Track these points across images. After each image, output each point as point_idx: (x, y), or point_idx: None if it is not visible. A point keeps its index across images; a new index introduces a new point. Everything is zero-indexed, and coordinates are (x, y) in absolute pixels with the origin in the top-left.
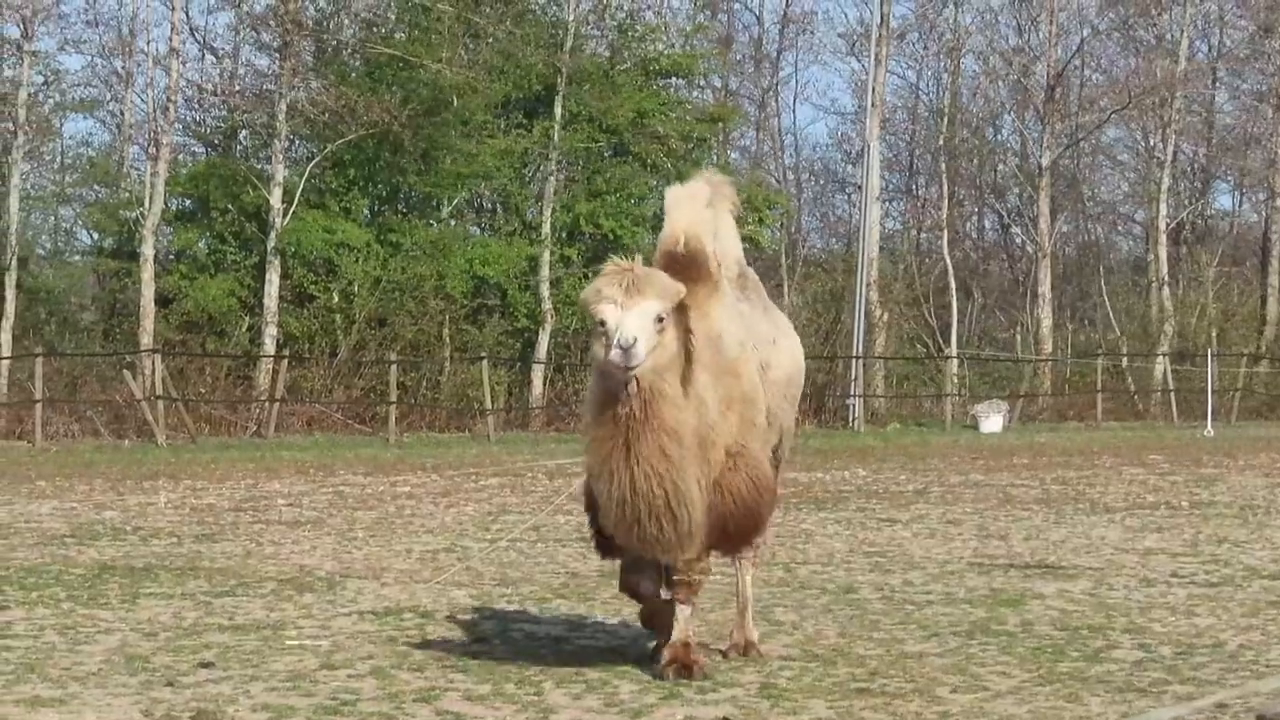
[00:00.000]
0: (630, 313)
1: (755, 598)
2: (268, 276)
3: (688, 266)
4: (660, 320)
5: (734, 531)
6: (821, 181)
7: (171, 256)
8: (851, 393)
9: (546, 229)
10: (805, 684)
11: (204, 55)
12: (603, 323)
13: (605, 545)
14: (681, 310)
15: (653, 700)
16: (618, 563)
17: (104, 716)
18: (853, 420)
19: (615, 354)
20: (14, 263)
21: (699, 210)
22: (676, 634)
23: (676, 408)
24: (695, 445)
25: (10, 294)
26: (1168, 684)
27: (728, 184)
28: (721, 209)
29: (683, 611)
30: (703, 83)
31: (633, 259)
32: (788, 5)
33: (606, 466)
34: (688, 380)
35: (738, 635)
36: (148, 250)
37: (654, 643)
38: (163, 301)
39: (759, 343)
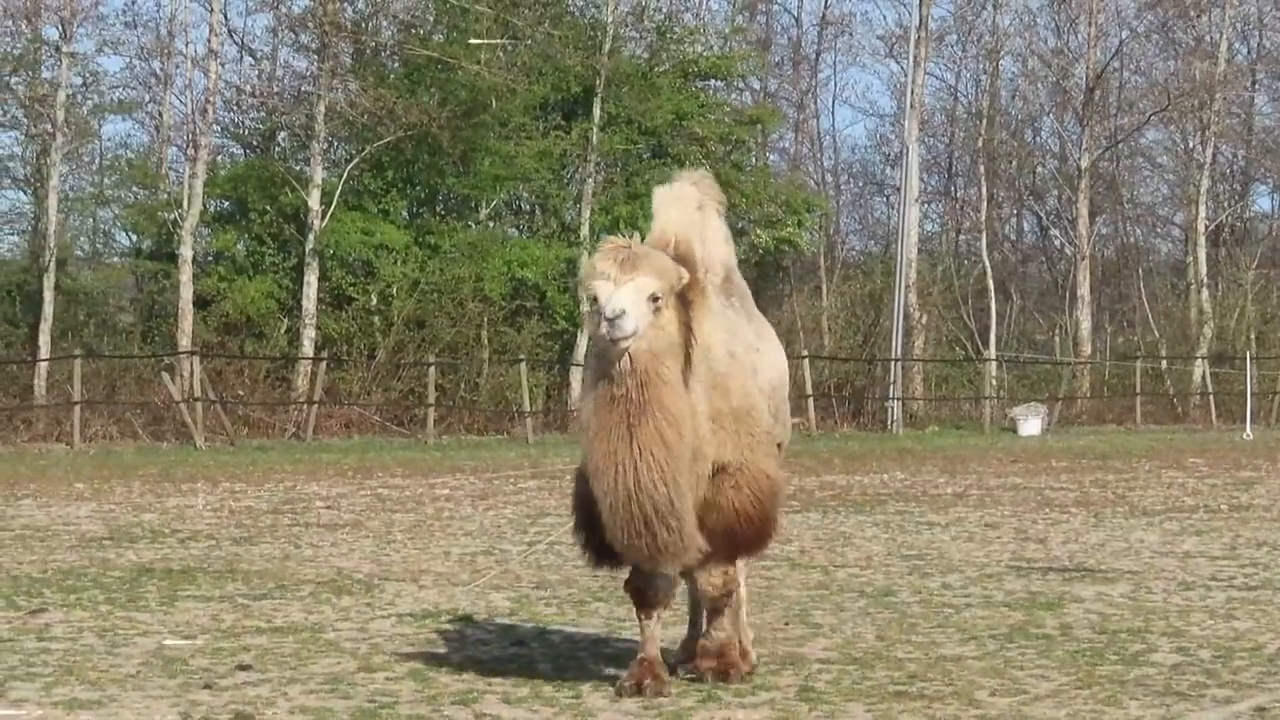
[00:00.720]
0: (623, 288)
1: (794, 600)
2: (306, 278)
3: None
4: (656, 300)
5: (743, 545)
6: (860, 183)
7: (210, 258)
8: (890, 395)
9: (585, 231)
10: (844, 687)
11: (242, 57)
12: (595, 299)
13: (600, 551)
14: (684, 303)
15: (691, 704)
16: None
17: (143, 719)
18: (891, 423)
19: (604, 325)
20: (53, 264)
21: (689, 213)
22: (716, 637)
23: (677, 395)
24: (690, 449)
25: (49, 295)
26: (1206, 687)
27: (712, 182)
28: (709, 211)
29: (720, 621)
30: (741, 84)
31: (630, 236)
32: (826, 7)
33: (610, 460)
34: (687, 378)
35: (699, 650)
36: (186, 252)
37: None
38: (201, 303)
39: (745, 349)
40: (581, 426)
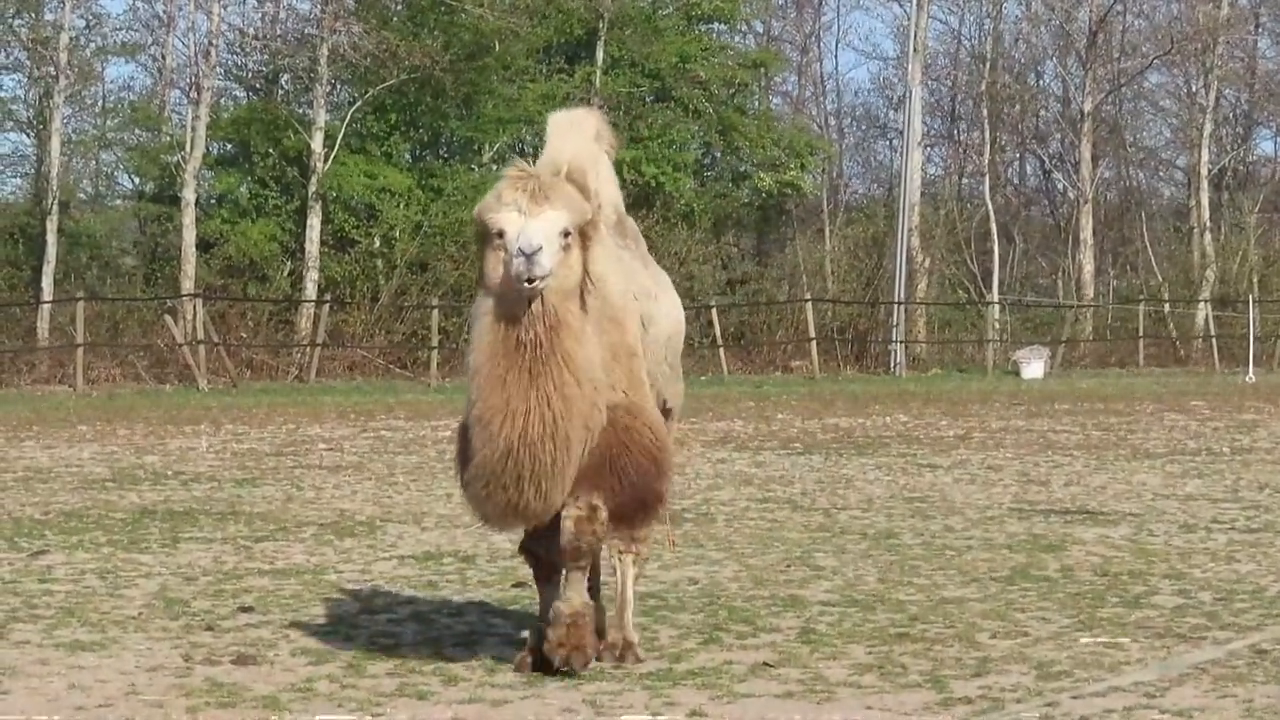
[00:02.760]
0: (535, 219)
1: (796, 542)
2: (309, 221)
3: None
4: (567, 235)
5: (630, 490)
6: (863, 127)
7: (213, 201)
8: (893, 338)
9: None
10: (845, 629)
11: None
12: (501, 233)
13: None
14: (585, 241)
15: (691, 645)
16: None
17: (144, 660)
18: (894, 366)
19: (517, 262)
20: (55, 207)
21: (585, 141)
22: (565, 606)
23: (579, 344)
24: (589, 402)
25: (52, 238)
26: (1207, 629)
27: (606, 123)
28: (601, 148)
29: (575, 580)
30: (744, 28)
31: (534, 163)
32: None
33: (501, 410)
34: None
35: (616, 634)
36: (189, 195)
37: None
38: (204, 246)
39: (641, 295)
40: (472, 373)
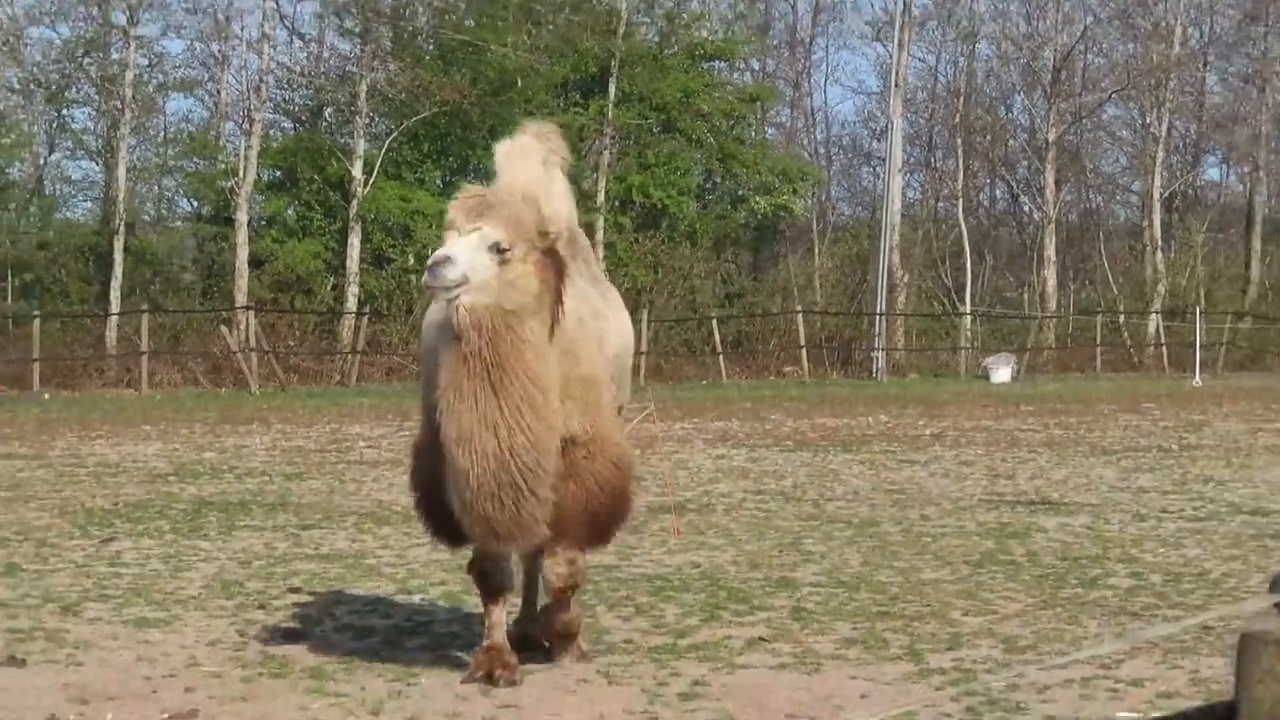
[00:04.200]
0: (464, 236)
1: (788, 530)
2: (350, 240)
3: None
4: (501, 251)
5: (601, 519)
6: (849, 155)
7: (263, 222)
8: (875, 346)
9: (601, 198)
10: (832, 607)
11: (292, 40)
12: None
13: (447, 529)
14: (553, 263)
15: (694, 622)
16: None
17: (203, 635)
18: (876, 371)
19: (426, 275)
20: (122, 227)
21: (533, 168)
22: (565, 620)
23: (541, 358)
24: (557, 416)
25: (119, 256)
26: (1158, 608)
27: (556, 134)
28: (552, 164)
29: (571, 606)
30: (742, 65)
31: (490, 185)
32: None
33: (481, 425)
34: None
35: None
36: (241, 216)
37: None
38: (255, 263)
39: (595, 317)
40: (438, 394)
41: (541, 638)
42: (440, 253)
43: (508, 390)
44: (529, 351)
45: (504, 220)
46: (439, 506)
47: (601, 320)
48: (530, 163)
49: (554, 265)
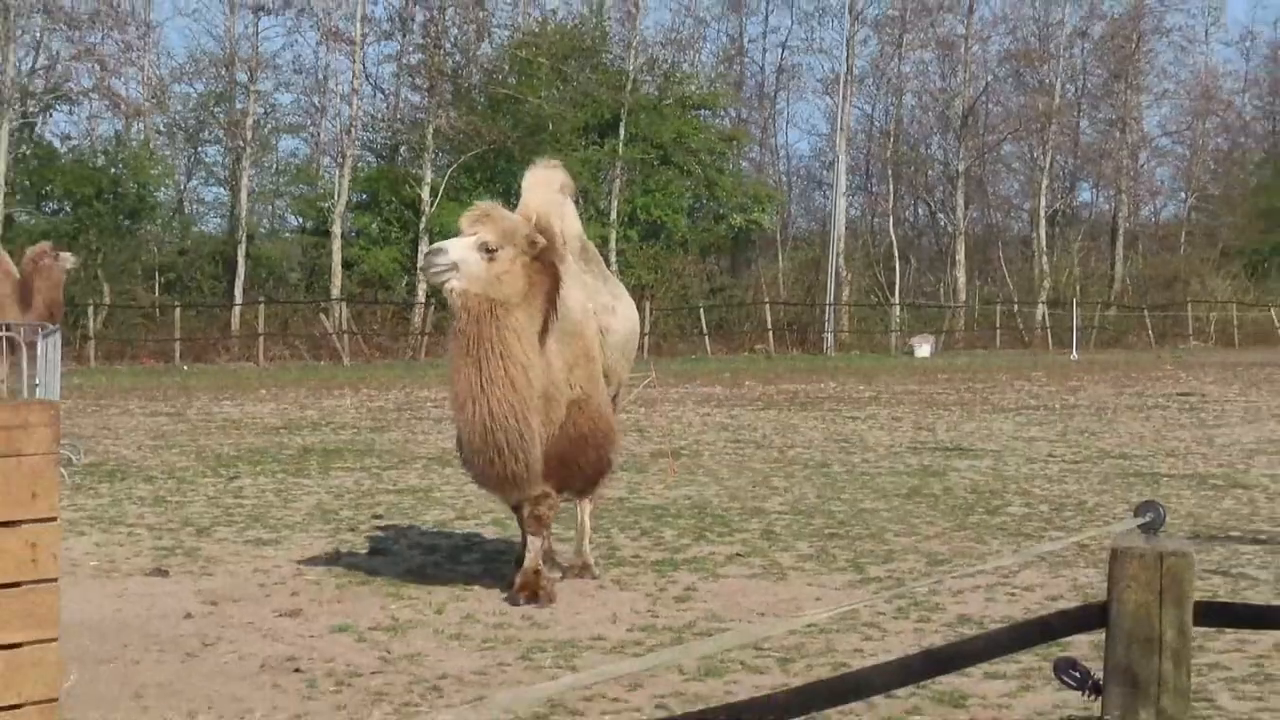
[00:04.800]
0: (461, 238)
1: (759, 470)
2: (420, 248)
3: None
4: (489, 250)
5: (584, 469)
6: (805, 182)
7: (353, 234)
8: (826, 329)
9: (613, 215)
10: (793, 530)
11: (375, 93)
12: None
13: None
14: (546, 268)
15: (686, 541)
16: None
17: (306, 552)
18: (826, 348)
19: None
20: (244, 239)
21: (551, 193)
22: (528, 563)
23: (522, 343)
24: (543, 398)
25: (241, 260)
26: (1045, 530)
27: (562, 169)
28: (564, 196)
29: (534, 543)
30: (723, 113)
31: (494, 201)
32: (781, 59)
33: (466, 394)
34: (544, 340)
35: (575, 559)
36: (336, 230)
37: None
38: (346, 265)
39: (600, 309)
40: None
41: (512, 582)
42: (436, 245)
43: (489, 367)
44: (512, 337)
45: (496, 228)
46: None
47: (607, 312)
48: (549, 188)
49: (546, 270)
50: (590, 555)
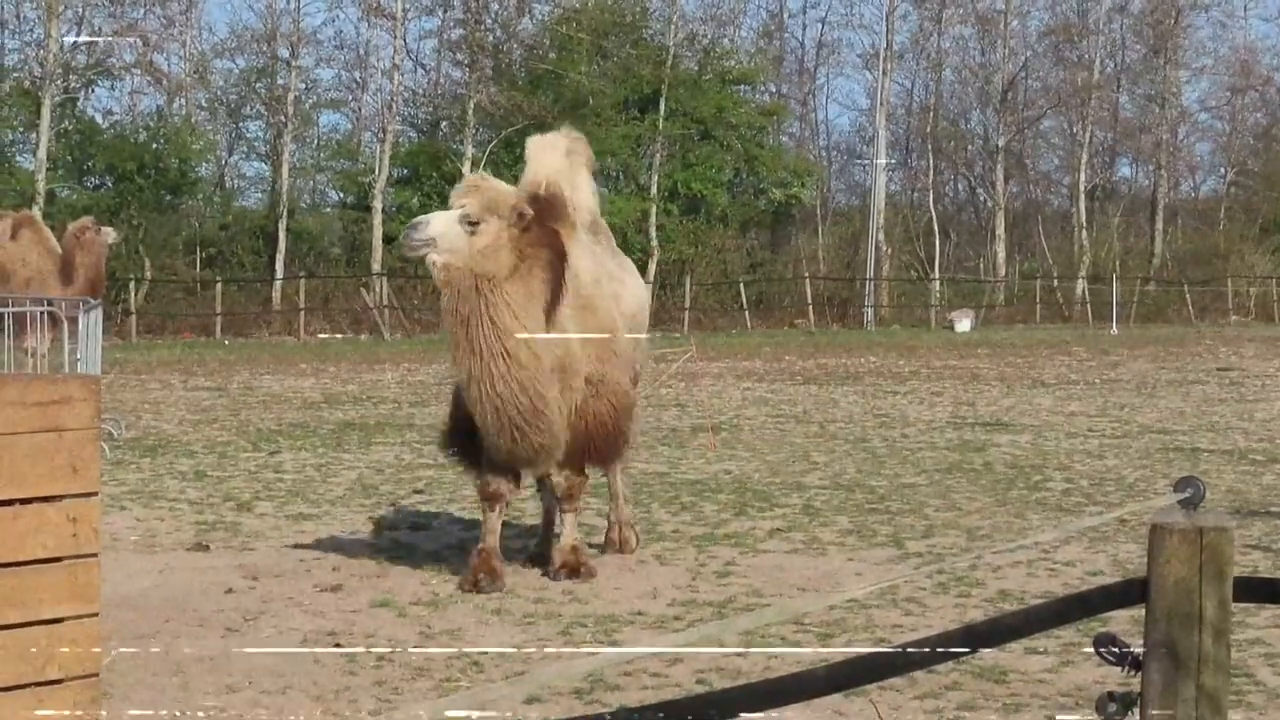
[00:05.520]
0: (445, 211)
1: (799, 445)
2: None
3: (548, 210)
4: (471, 223)
5: (599, 450)
6: (845, 157)
7: (393, 209)
8: (866, 304)
9: (654, 190)
10: (834, 504)
11: (416, 69)
12: None
13: (463, 455)
14: (548, 249)
15: (727, 516)
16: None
17: (346, 526)
18: (866, 323)
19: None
20: (285, 213)
21: (558, 159)
22: (565, 539)
23: (519, 318)
24: (559, 372)
25: (282, 235)
26: (1085, 505)
27: (584, 143)
28: (578, 163)
29: (568, 519)
30: (762, 88)
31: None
32: (821, 34)
33: (467, 374)
34: (553, 313)
35: (613, 534)
36: (377, 205)
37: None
38: (387, 240)
39: (611, 280)
40: None
41: (550, 559)
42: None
43: (484, 345)
44: (504, 311)
45: (481, 200)
46: (463, 436)
47: (618, 284)
48: (555, 154)
49: (542, 241)
50: (629, 513)
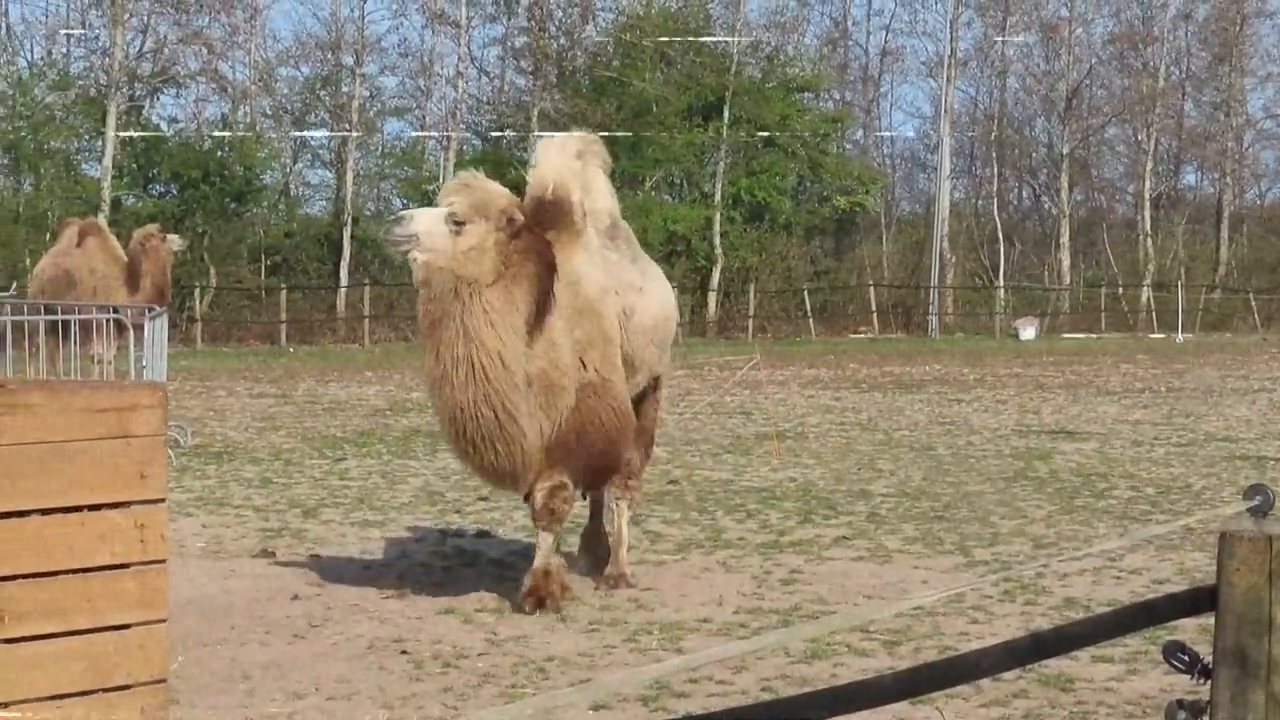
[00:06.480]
0: (431, 209)
1: (865, 453)
2: None
3: (553, 213)
4: (456, 223)
5: (596, 459)
6: (909, 165)
7: None
8: (930, 311)
9: (718, 197)
10: (899, 512)
11: (480, 76)
12: None
13: None
14: (536, 259)
15: (792, 524)
16: None
17: (413, 534)
18: (931, 330)
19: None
20: (349, 220)
21: (567, 160)
22: (537, 562)
23: (496, 327)
24: (539, 386)
25: (347, 242)
26: (1152, 514)
27: (599, 144)
28: (592, 165)
29: (544, 540)
30: (826, 95)
31: (477, 171)
32: (885, 42)
33: (430, 378)
34: (538, 325)
35: (612, 568)
36: None
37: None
38: None
39: (624, 289)
40: None
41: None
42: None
43: (452, 351)
44: (479, 320)
45: (470, 200)
46: None
47: (633, 293)
48: (565, 155)
49: (531, 249)
50: (627, 565)
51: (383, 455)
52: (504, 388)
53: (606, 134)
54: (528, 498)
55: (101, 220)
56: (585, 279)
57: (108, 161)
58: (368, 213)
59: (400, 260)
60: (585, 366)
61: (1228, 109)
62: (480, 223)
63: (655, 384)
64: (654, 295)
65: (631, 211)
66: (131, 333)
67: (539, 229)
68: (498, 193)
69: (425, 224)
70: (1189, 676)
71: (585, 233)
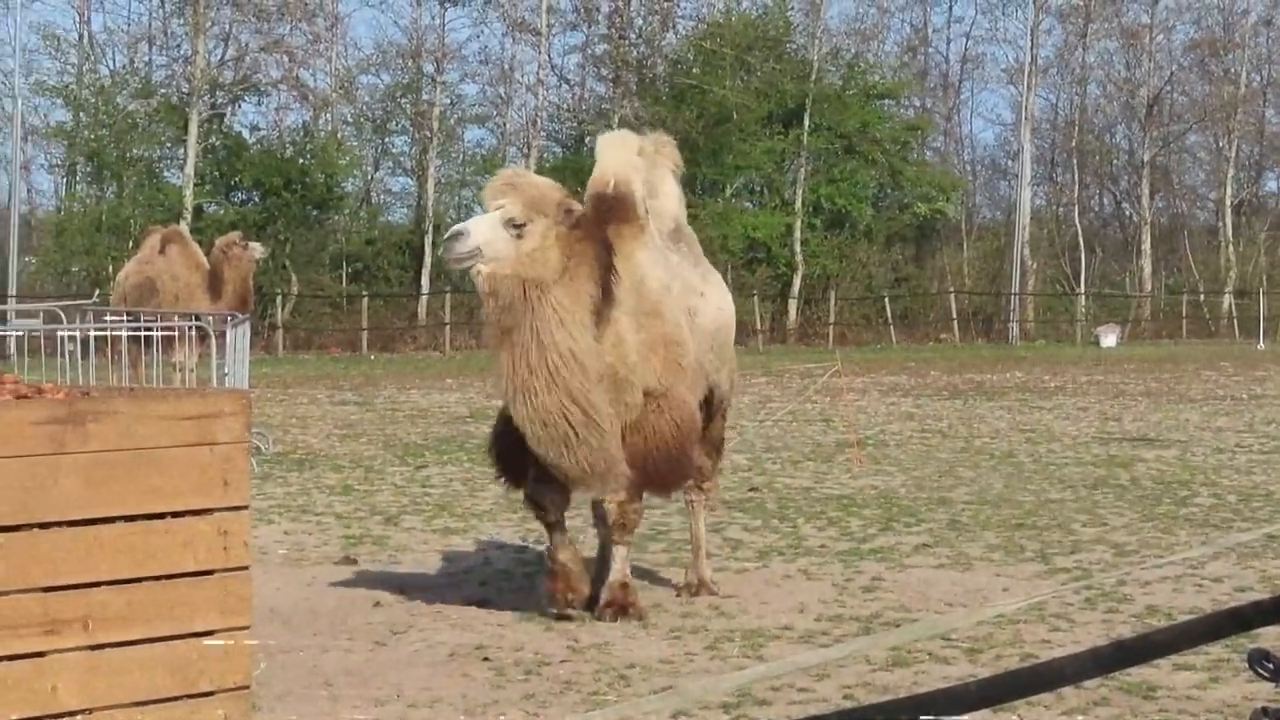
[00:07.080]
0: (484, 215)
1: (945, 460)
2: None
3: (614, 208)
4: (517, 226)
5: (657, 472)
6: (989, 172)
7: None
8: (1011, 319)
9: (798, 204)
10: (980, 520)
11: (560, 84)
12: None
13: (509, 471)
14: (596, 247)
15: (873, 531)
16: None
17: (494, 541)
18: (1011, 338)
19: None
20: (430, 228)
21: (629, 156)
22: (614, 575)
23: (566, 326)
24: (609, 383)
25: (428, 250)
26: (1234, 521)
27: (670, 145)
28: (661, 165)
29: (619, 551)
30: (906, 102)
31: (522, 166)
32: (965, 48)
33: (511, 389)
34: (603, 318)
35: (692, 575)
36: None
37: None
38: None
39: (685, 291)
40: None
41: (598, 597)
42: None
43: (527, 356)
44: (550, 322)
45: (523, 198)
46: (509, 451)
47: (694, 296)
48: (627, 150)
49: (589, 237)
50: (708, 571)
51: (463, 462)
52: (584, 384)
53: (686, 141)
54: (595, 513)
55: (184, 228)
56: (649, 278)
57: (190, 169)
58: (448, 220)
59: (466, 273)
60: (650, 371)
61: None
62: (540, 220)
63: (715, 398)
64: (713, 300)
65: (712, 219)
66: (214, 340)
67: (600, 224)
68: (548, 185)
69: (485, 234)
70: (1273, 684)
71: (648, 229)
